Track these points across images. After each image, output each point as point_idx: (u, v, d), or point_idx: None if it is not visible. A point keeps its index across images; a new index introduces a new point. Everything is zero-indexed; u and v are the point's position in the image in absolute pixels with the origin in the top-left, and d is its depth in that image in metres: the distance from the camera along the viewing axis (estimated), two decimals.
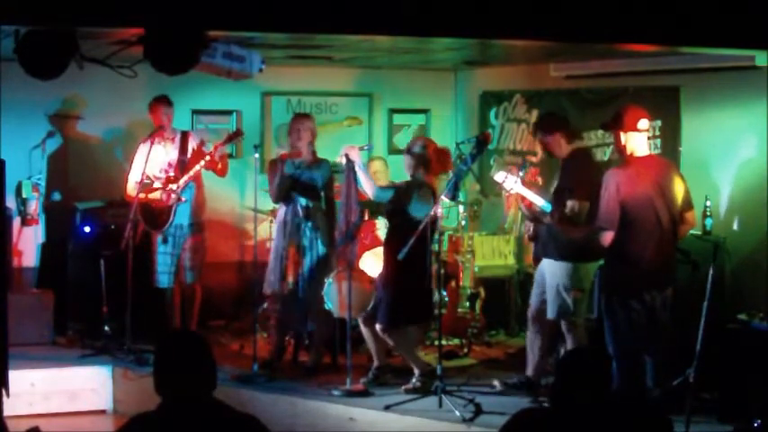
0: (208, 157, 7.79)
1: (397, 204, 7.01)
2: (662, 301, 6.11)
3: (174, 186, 7.87)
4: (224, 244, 9.00)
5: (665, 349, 6.18)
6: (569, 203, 6.38)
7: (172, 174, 7.99)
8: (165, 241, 7.98)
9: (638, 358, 6.10)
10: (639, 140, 6.11)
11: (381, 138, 9.92)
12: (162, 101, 8.08)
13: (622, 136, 6.08)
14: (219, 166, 7.88)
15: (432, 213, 6.64)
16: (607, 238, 5.93)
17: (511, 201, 7.42)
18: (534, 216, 6.65)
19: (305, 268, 7.43)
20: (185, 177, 7.89)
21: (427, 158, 6.99)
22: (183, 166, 8.03)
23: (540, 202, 6.35)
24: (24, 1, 5.53)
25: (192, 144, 8.13)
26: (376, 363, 7.27)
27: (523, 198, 6.58)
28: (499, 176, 6.43)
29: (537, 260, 6.92)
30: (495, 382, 6.89)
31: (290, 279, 7.43)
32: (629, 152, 6.07)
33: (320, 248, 7.47)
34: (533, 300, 6.87)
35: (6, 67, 6.55)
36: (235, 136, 7.74)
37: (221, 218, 8.90)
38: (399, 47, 8.08)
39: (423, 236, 6.59)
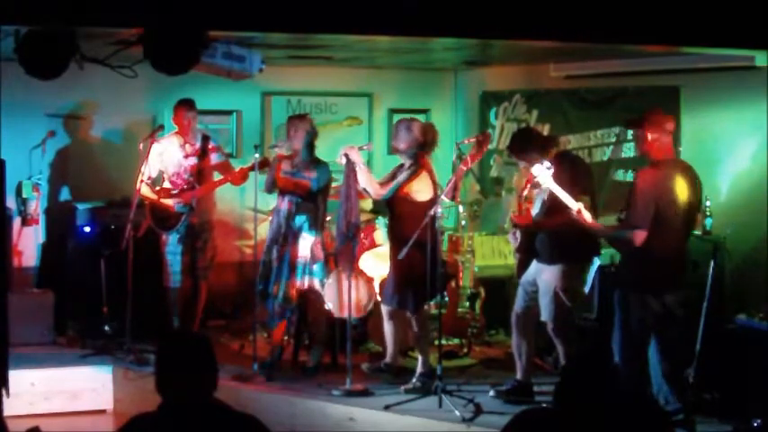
0: (229, 178, 7.94)
1: (398, 191, 7.02)
2: (677, 301, 6.06)
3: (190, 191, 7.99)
4: (224, 244, 9.00)
5: (679, 349, 6.13)
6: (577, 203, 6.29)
7: (190, 178, 8.03)
8: (180, 241, 8.02)
9: (643, 357, 6.06)
10: (666, 141, 6.07)
11: (381, 138, 9.92)
12: (184, 104, 8.09)
13: (649, 136, 6.02)
14: (239, 182, 8.02)
15: (431, 213, 6.66)
16: (640, 236, 5.85)
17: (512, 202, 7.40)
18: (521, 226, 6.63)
19: (285, 263, 7.40)
20: (202, 190, 7.99)
21: (421, 142, 7.02)
22: (199, 171, 8.06)
23: (568, 199, 6.15)
24: (24, 1, 5.53)
25: (210, 149, 8.17)
26: (388, 359, 7.28)
27: (526, 199, 6.57)
28: (536, 169, 6.10)
29: (521, 269, 6.88)
30: (491, 393, 6.86)
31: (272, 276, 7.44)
32: (655, 153, 6.03)
33: (303, 245, 7.44)
34: (518, 304, 6.84)
35: (6, 67, 6.55)
36: (264, 164, 7.68)
37: (221, 218, 8.90)
38: (399, 47, 8.08)
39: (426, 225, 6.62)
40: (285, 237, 7.39)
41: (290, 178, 7.39)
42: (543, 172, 5.98)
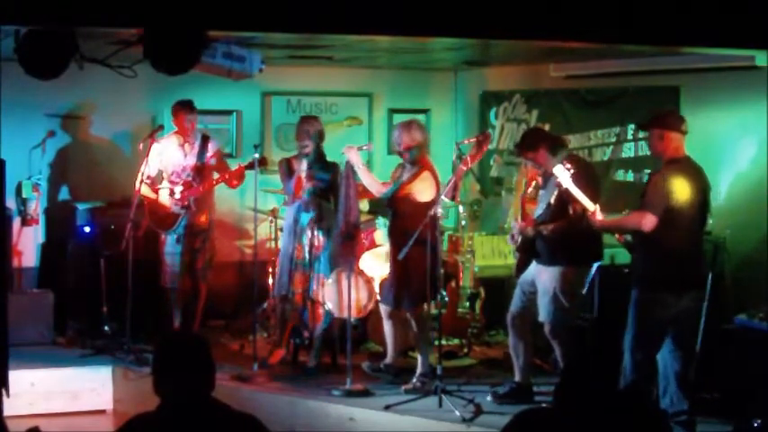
0: (227, 176, 7.90)
1: (400, 190, 7.01)
2: (694, 299, 6.04)
3: (190, 194, 7.99)
4: (224, 244, 9.00)
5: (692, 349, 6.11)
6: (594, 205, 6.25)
7: (189, 177, 8.02)
8: (178, 241, 8.02)
9: (654, 358, 6.04)
10: (681, 142, 6.05)
11: (381, 138, 9.91)
12: (184, 106, 8.08)
13: (668, 136, 5.99)
14: (236, 183, 8.00)
15: (431, 213, 6.66)
16: (649, 219, 5.79)
17: (512, 201, 7.38)
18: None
19: (315, 268, 7.43)
20: (201, 189, 7.97)
21: (419, 142, 7.00)
22: (199, 171, 8.05)
23: (585, 200, 6.13)
24: (24, 1, 5.53)
25: (211, 150, 8.15)
26: (388, 359, 7.28)
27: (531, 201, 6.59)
28: (558, 170, 6.07)
29: (520, 270, 6.86)
30: (488, 397, 6.84)
31: (300, 280, 7.44)
32: (671, 153, 5.98)
33: (329, 248, 7.46)
34: (514, 304, 6.81)
35: (6, 67, 6.55)
36: (262, 163, 7.67)
37: (221, 218, 8.90)
38: (399, 47, 8.08)
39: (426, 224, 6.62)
40: (311, 240, 7.39)
41: (310, 180, 7.39)
42: (563, 173, 5.97)
